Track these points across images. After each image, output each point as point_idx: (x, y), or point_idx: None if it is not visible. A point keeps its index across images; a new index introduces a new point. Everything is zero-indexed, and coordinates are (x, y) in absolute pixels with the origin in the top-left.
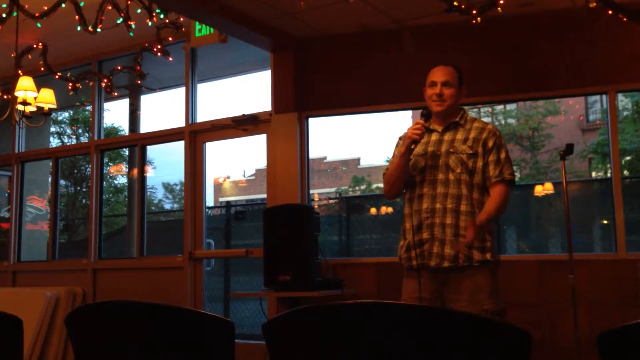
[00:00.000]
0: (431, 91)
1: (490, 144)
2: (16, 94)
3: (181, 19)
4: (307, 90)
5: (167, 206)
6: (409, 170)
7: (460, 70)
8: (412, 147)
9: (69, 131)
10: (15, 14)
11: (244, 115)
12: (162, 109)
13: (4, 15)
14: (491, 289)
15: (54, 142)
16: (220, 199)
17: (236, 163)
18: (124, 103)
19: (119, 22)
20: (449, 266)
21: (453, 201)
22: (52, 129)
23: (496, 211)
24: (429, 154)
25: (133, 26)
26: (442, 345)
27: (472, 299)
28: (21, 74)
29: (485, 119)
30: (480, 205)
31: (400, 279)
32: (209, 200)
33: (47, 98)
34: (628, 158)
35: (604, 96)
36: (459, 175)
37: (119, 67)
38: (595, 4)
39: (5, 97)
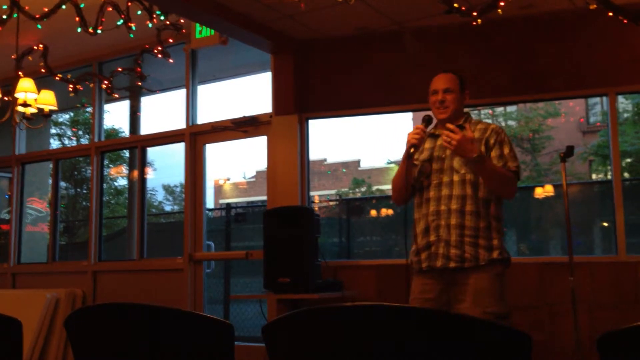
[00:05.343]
0: (434, 99)
1: (492, 140)
2: (16, 95)
3: (181, 21)
4: (307, 92)
5: (168, 208)
6: (413, 175)
7: (463, 75)
8: (412, 151)
9: (69, 133)
10: (15, 15)
11: (244, 117)
12: (163, 110)
13: (4, 17)
14: (496, 292)
15: (55, 143)
16: (221, 201)
17: (236, 165)
18: (125, 105)
19: (119, 23)
20: (455, 267)
21: (457, 202)
22: (53, 131)
23: (503, 180)
24: (435, 158)
25: (133, 28)
26: (442, 348)
27: (476, 301)
28: (22, 75)
29: (486, 121)
30: (485, 204)
31: (400, 281)
32: (209, 202)
33: (47, 99)
34: (628, 160)
35: (604, 98)
36: (464, 175)
37: (120, 69)
38: (595, 6)
39: (5, 98)
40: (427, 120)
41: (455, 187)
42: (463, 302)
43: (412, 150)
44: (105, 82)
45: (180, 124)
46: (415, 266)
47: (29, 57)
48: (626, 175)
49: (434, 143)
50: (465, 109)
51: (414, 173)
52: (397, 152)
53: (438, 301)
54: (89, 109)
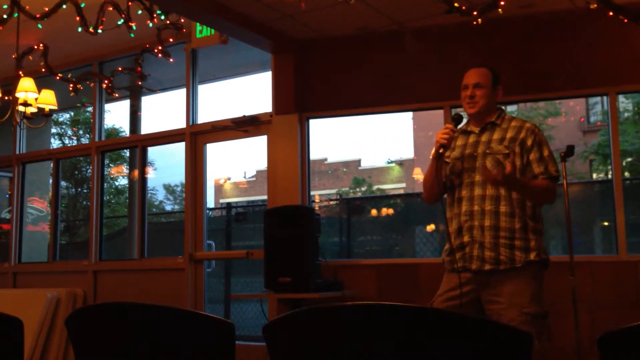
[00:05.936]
0: (464, 94)
1: (530, 142)
2: (17, 95)
3: (182, 20)
4: (307, 92)
5: (168, 207)
6: (446, 174)
7: (495, 71)
8: (441, 151)
9: (69, 132)
10: (16, 15)
11: (244, 116)
12: (163, 110)
13: (4, 16)
14: (533, 292)
15: (55, 143)
16: (221, 201)
17: (237, 164)
18: (125, 104)
19: (119, 23)
20: (490, 269)
21: (492, 203)
22: (53, 130)
23: (533, 187)
24: (466, 156)
25: (134, 27)
26: (442, 347)
27: (512, 302)
28: (22, 75)
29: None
30: (520, 204)
31: (401, 280)
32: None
33: (47, 99)
34: (629, 159)
35: (605, 97)
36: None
37: (120, 68)
38: (595, 5)
39: (6, 98)
40: (456, 119)
41: (489, 187)
42: (498, 304)
43: (441, 150)
44: (106, 81)
45: (180, 123)
46: (447, 266)
47: (30, 57)
48: (627, 174)
49: (466, 140)
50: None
51: (446, 171)
52: (398, 151)
53: (465, 297)
54: (90, 109)
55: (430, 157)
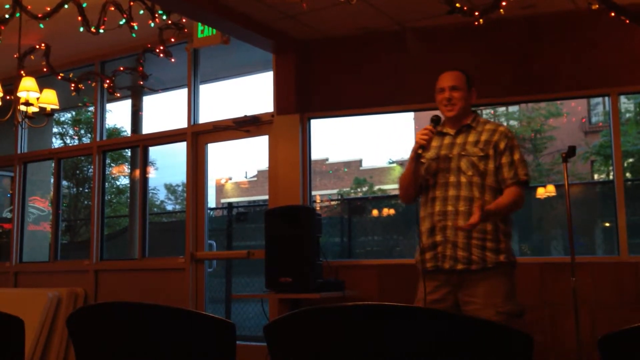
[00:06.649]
0: (441, 96)
1: (502, 145)
2: (19, 94)
3: (184, 20)
4: (309, 92)
5: (169, 207)
6: (421, 174)
7: (469, 73)
8: (420, 152)
9: (71, 132)
10: (18, 14)
11: (246, 116)
12: (165, 110)
13: (6, 16)
14: (506, 291)
15: (56, 143)
16: (222, 200)
17: (238, 164)
18: (126, 104)
19: (121, 23)
20: (462, 269)
21: (465, 204)
22: (55, 130)
23: (507, 206)
24: (442, 157)
25: (135, 27)
26: (444, 348)
27: (487, 302)
28: (24, 74)
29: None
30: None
31: (402, 281)
32: (211, 202)
33: (49, 99)
34: (630, 160)
35: (606, 98)
36: (471, 177)
37: (122, 68)
38: (597, 6)
39: (7, 97)
40: (435, 120)
41: (463, 189)
42: (474, 304)
43: (420, 150)
44: (107, 81)
45: (182, 123)
46: (419, 265)
47: (31, 56)
48: (628, 175)
49: (441, 141)
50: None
51: (421, 171)
52: (399, 152)
53: (444, 302)
54: (91, 108)
55: (409, 157)
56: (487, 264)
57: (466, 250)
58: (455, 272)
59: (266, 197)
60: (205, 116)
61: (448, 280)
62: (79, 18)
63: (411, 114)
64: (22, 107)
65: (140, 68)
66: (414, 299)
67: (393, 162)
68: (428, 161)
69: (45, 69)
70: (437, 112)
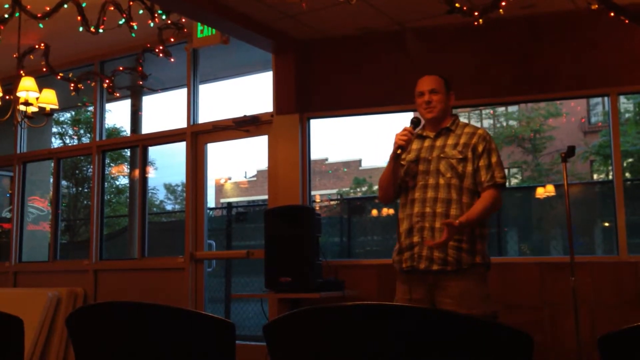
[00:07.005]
0: (420, 100)
1: (480, 148)
2: (18, 94)
3: (183, 20)
4: (308, 92)
5: (169, 207)
6: (400, 175)
7: (446, 78)
8: (398, 152)
9: (70, 132)
10: (17, 14)
11: (245, 116)
12: (164, 110)
13: (6, 16)
14: (480, 293)
15: (56, 142)
16: (222, 200)
17: (238, 164)
18: (126, 104)
19: (121, 22)
20: (438, 269)
21: (443, 205)
22: (54, 130)
23: (481, 213)
24: (421, 159)
25: (135, 27)
26: (443, 347)
27: (461, 303)
28: (23, 74)
29: (487, 121)
30: (469, 209)
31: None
32: (210, 201)
33: (49, 98)
34: (630, 160)
35: (606, 98)
36: (449, 179)
37: (121, 68)
38: (596, 6)
39: (7, 97)
40: (415, 122)
41: (441, 191)
42: (447, 305)
43: (399, 151)
44: (107, 81)
45: (181, 123)
46: (396, 265)
47: (31, 56)
48: (627, 175)
49: (421, 144)
50: (467, 108)
51: (401, 173)
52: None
53: (422, 303)
54: (91, 108)
55: (389, 157)
56: (462, 265)
57: (442, 251)
58: (430, 272)
59: (266, 197)
60: (205, 116)
61: (424, 280)
62: (79, 18)
63: (410, 114)
64: (22, 107)
65: (140, 68)
66: (392, 300)
67: None
68: (408, 163)
69: (44, 69)
70: (417, 115)
